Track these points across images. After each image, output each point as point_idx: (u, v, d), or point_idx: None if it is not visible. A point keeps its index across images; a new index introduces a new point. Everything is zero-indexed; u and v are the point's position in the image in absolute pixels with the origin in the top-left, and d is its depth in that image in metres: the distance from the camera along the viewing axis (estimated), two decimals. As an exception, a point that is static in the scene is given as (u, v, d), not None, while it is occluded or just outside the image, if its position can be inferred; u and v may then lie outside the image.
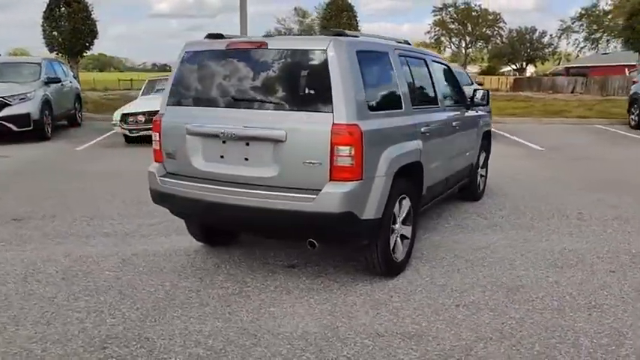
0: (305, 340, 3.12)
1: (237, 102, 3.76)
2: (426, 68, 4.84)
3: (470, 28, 62.00)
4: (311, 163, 3.44)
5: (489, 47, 64.02)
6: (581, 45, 57.17)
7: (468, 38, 62.45)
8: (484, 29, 61.95)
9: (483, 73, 64.21)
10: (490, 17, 61.46)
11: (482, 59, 71.22)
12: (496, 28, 62.55)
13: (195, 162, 3.87)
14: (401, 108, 4.10)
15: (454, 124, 5.20)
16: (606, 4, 54.26)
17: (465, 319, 3.38)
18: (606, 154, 10.45)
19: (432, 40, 62.49)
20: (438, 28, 62.87)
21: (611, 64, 43.20)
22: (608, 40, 53.61)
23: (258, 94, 3.73)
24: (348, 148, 3.38)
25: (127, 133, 10.96)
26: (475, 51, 66.34)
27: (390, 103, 4.01)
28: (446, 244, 4.83)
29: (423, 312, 3.49)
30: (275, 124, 3.53)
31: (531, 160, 9.82)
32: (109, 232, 5.24)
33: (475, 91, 5.82)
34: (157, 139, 4.08)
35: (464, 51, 63.03)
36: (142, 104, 11.36)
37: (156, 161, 4.15)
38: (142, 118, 10.82)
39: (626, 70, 40.42)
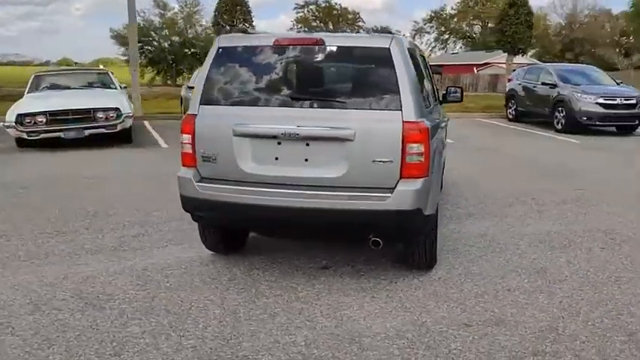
0: (405, 338, 3.16)
1: (293, 101, 3.63)
2: (424, 65, 5.06)
3: (331, 26, 64.36)
4: (381, 161, 3.46)
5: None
6: (432, 45, 62.36)
7: (330, 36, 64.79)
8: (345, 28, 64.67)
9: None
10: (350, 16, 64.33)
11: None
12: (356, 27, 65.61)
13: (243, 165, 3.65)
14: (431, 105, 4.26)
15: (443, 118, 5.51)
16: (451, 8, 59.97)
17: (528, 303, 3.66)
18: (503, 144, 11.61)
19: (296, 37, 63.82)
20: (300, 25, 64.29)
21: (460, 62, 47.66)
22: (455, 41, 59.32)
23: (316, 92, 3.64)
24: (417, 145, 3.46)
25: (25, 136, 9.73)
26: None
27: (429, 99, 4.15)
28: (448, 234, 5.11)
29: (485, 299, 3.71)
30: (341, 123, 3.48)
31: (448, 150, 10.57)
32: (90, 247, 4.70)
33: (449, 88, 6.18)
34: (189, 141, 3.77)
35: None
36: (37, 104, 10.14)
37: (186, 165, 3.83)
38: (42, 119, 9.72)
39: (475, 68, 45.34)
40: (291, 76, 3.69)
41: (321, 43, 3.60)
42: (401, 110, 3.47)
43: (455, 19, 60.20)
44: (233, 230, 4.36)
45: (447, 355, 2.99)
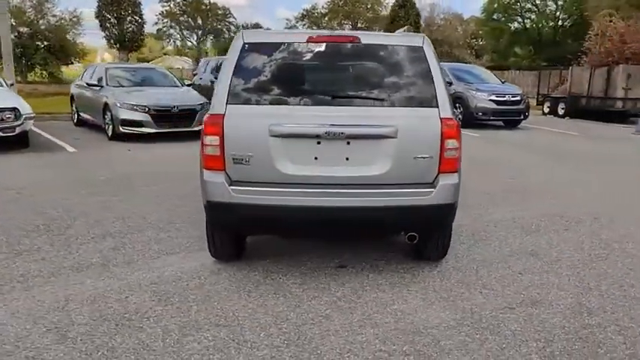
0: (466, 325, 3.35)
1: (330, 99, 3.63)
2: None
3: (200, 22, 62.95)
4: (422, 157, 3.61)
5: (220, 41, 65.99)
6: (305, 43, 63.61)
7: (199, 32, 63.29)
8: (215, 23, 63.62)
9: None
10: (220, 11, 63.31)
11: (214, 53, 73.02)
12: (226, 23, 64.81)
13: (280, 166, 3.58)
14: None
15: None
16: (322, 7, 61.77)
17: (544, 283, 4.04)
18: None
19: (162, 32, 61.53)
20: (166, 20, 62.01)
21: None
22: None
23: (353, 90, 3.68)
24: (453, 140, 3.66)
25: None
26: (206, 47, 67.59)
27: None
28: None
29: (507, 283, 4.02)
30: (382, 121, 3.57)
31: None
32: (70, 264, 4.25)
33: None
34: (217, 143, 3.60)
35: (196, 44, 63.76)
36: None
37: (212, 169, 3.65)
38: None
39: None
40: (326, 73, 3.69)
41: (357, 41, 3.65)
42: (437, 107, 3.65)
43: (326, 18, 62.01)
44: (243, 236, 4.23)
45: (512, 336, 3.22)
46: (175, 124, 10.84)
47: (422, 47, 3.68)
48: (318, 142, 3.57)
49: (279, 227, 3.88)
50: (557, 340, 3.18)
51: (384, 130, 3.56)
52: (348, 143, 3.58)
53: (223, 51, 67.86)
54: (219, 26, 64.01)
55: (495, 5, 48.00)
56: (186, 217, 5.41)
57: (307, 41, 3.64)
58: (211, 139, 3.61)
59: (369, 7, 60.81)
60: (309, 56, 3.67)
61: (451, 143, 3.64)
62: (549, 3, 47.95)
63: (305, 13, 62.41)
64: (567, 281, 4.08)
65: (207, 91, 11.07)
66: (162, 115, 10.72)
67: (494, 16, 48.75)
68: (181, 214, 5.55)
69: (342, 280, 4.00)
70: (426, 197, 3.59)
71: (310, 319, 3.40)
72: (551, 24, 49.07)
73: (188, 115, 10.97)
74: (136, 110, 10.57)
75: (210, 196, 3.63)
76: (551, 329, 3.32)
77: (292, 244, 4.63)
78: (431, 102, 3.65)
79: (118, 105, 10.58)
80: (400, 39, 3.84)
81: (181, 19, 62.34)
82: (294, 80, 3.66)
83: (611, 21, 20.61)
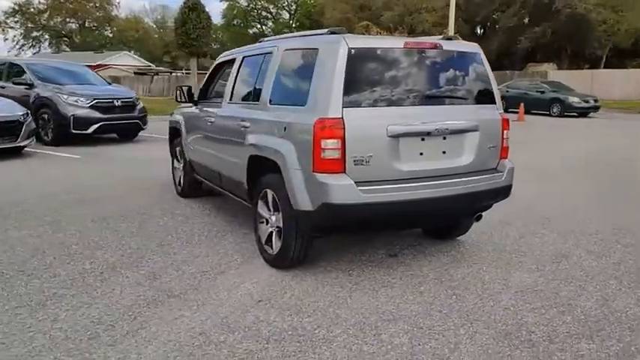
0: (544, 302, 3.90)
1: (427, 99, 4.02)
2: None
3: None
4: (493, 147, 4.30)
5: None
6: (21, 42, 56.57)
7: None
8: None
9: None
10: None
11: None
12: None
13: (397, 164, 3.83)
14: None
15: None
16: (39, 2, 55.59)
17: (585, 265, 4.42)
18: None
19: None
20: None
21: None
22: (55, 41, 55.35)
23: (443, 91, 4.12)
24: (507, 131, 4.45)
25: None
26: None
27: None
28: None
29: (546, 265, 4.47)
30: (469, 117, 4.13)
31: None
32: (149, 296, 3.73)
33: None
34: (338, 146, 3.67)
35: None
36: None
37: (332, 172, 3.70)
38: None
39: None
40: (420, 76, 4.02)
41: (439, 47, 4.12)
42: (495, 104, 4.39)
43: (46, 15, 56.06)
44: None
45: (586, 313, 3.57)
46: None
47: (479, 53, 4.35)
48: (422, 139, 3.95)
49: (396, 222, 4.12)
50: None
51: (472, 124, 4.14)
52: (444, 138, 4.05)
53: None
54: None
55: (235, 11, 50.44)
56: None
57: (404, 47, 3.98)
58: (332, 143, 3.66)
59: (97, 5, 57.17)
60: (405, 60, 3.97)
61: (506, 134, 4.42)
62: (283, 12, 52.72)
63: (16, 7, 55.30)
64: (616, 252, 5.22)
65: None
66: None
67: (235, 22, 51.16)
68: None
69: (407, 271, 4.22)
70: (500, 180, 4.29)
71: (416, 310, 3.66)
72: (286, 31, 53.82)
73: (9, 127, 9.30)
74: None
75: (333, 198, 3.66)
76: (611, 299, 4.32)
77: (344, 240, 4.84)
78: (492, 99, 4.36)
79: None
80: (464, 45, 4.43)
81: None
82: (397, 82, 3.92)
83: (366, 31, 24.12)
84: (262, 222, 4.49)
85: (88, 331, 3.30)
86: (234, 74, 5.19)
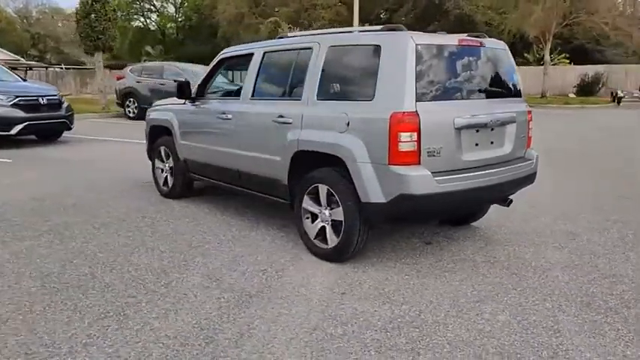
0: (589, 275, 4.59)
1: (478, 93, 4.34)
2: None
3: None
4: (524, 136, 4.74)
5: None
6: None
7: None
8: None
9: None
10: None
11: None
12: None
13: (461, 154, 4.10)
14: None
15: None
16: None
17: (596, 240, 5.12)
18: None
19: None
20: None
21: None
22: None
23: (488, 85, 4.46)
24: (531, 123, 4.92)
25: None
26: None
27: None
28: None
29: (567, 243, 4.96)
30: (509, 109, 4.51)
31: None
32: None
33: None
34: (414, 139, 3.86)
35: None
36: None
37: (406, 164, 3.89)
38: None
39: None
40: (470, 71, 4.27)
41: (483, 45, 4.45)
42: (521, 97, 4.84)
43: None
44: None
45: (634, 280, 4.03)
46: None
47: (508, 50, 4.75)
48: (477, 131, 4.26)
49: (456, 209, 4.39)
50: None
51: (512, 116, 4.52)
52: (492, 129, 4.40)
53: None
54: None
55: (117, 2, 47.62)
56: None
57: (458, 43, 4.26)
58: (407, 136, 3.85)
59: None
60: (459, 56, 4.22)
61: (531, 125, 4.88)
62: (169, 5, 50.82)
63: None
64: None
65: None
66: None
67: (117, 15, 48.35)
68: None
69: (454, 257, 4.64)
70: (531, 167, 4.73)
71: (482, 296, 4.10)
72: (171, 24, 52.08)
73: None
74: None
75: (412, 189, 3.85)
76: None
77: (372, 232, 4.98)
78: (519, 93, 4.80)
79: None
80: (497, 42, 4.77)
81: None
82: (454, 77, 4.16)
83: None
84: (307, 217, 4.55)
85: (199, 335, 3.21)
86: (255, 70, 5.15)
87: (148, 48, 44.43)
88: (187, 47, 47.33)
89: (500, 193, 4.55)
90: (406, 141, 3.83)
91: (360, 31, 4.70)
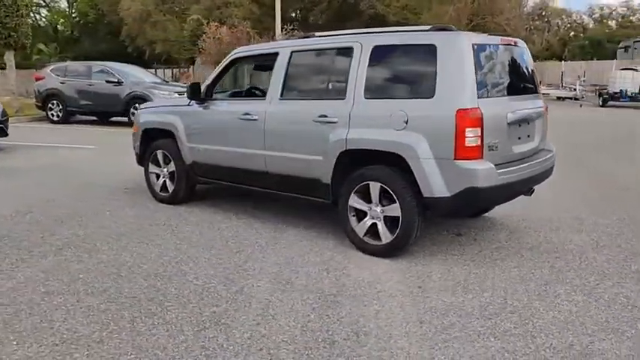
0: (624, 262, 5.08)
1: (519, 89, 4.66)
2: None
3: None
4: (545, 130, 5.14)
5: None
6: None
7: None
8: None
9: None
10: None
11: None
12: None
13: (510, 148, 4.39)
14: None
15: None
16: None
17: (601, 231, 5.62)
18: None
19: None
20: None
21: None
22: None
23: (524, 82, 4.79)
24: (548, 117, 5.33)
25: None
26: None
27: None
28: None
29: (582, 229, 5.43)
30: (540, 105, 4.90)
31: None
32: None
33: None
34: (479, 134, 4.09)
35: None
36: None
37: (471, 158, 4.10)
38: None
39: None
40: (510, 69, 4.59)
41: (517, 44, 4.77)
42: (539, 93, 5.23)
43: None
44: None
45: None
46: None
47: (527, 48, 5.12)
48: (519, 125, 4.57)
49: (506, 200, 4.64)
50: None
51: (541, 111, 4.90)
52: (528, 123, 4.73)
53: None
54: None
55: (1, -3, 44.09)
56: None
57: (501, 43, 4.53)
58: (473, 131, 4.06)
59: None
60: (501, 55, 4.50)
61: (547, 119, 5.29)
62: (61, 0, 47.88)
63: None
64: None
65: None
66: None
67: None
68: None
69: (491, 247, 4.94)
70: (553, 159, 5.13)
71: (539, 289, 4.46)
72: (64, 20, 49.09)
73: None
74: None
75: (480, 182, 4.06)
76: None
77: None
78: (537, 89, 5.19)
79: None
80: (522, 42, 5.09)
81: None
82: (501, 74, 4.45)
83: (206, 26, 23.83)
84: (354, 215, 4.64)
85: (315, 338, 3.23)
86: (282, 70, 5.11)
87: (41, 46, 41.57)
88: (84, 45, 44.94)
89: (535, 183, 4.89)
90: (471, 136, 4.03)
91: (404, 32, 4.80)
